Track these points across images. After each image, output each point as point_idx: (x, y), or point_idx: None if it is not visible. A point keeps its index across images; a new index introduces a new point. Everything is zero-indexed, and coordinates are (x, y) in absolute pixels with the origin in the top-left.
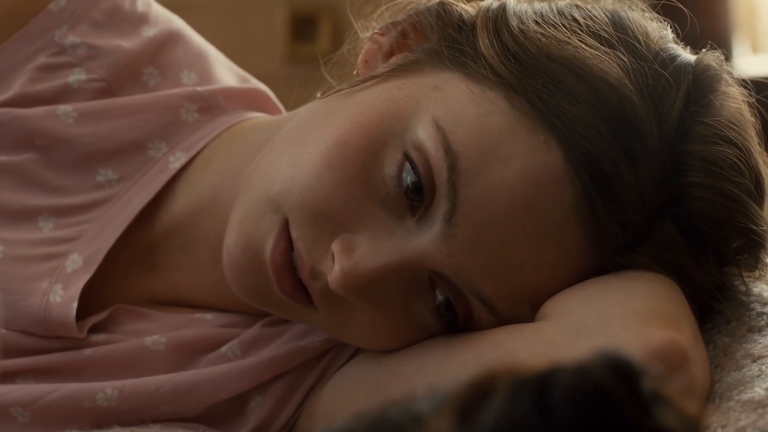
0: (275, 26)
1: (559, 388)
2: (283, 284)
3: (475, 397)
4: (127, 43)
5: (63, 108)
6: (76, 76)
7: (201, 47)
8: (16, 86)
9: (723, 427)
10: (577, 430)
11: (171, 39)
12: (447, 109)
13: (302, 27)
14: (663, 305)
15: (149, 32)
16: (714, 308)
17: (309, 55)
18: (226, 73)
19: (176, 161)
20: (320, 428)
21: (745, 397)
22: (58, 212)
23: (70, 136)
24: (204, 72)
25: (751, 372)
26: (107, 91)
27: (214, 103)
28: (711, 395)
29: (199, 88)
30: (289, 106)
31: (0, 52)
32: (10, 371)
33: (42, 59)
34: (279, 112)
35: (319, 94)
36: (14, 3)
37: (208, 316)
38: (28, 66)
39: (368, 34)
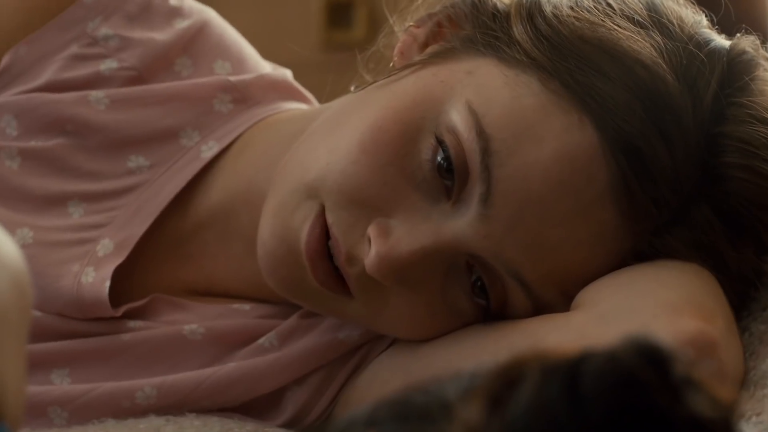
0: (311, 13)
1: (589, 374)
2: (318, 272)
3: (504, 385)
4: (160, 35)
5: (95, 94)
6: (107, 65)
7: (234, 38)
8: (48, 74)
9: (758, 414)
10: (607, 417)
11: (204, 29)
12: (480, 92)
13: (338, 13)
14: (696, 295)
15: (182, 24)
16: (750, 295)
17: (345, 42)
18: (260, 63)
19: (208, 150)
20: (345, 415)
21: None
22: (88, 198)
23: (102, 122)
24: (238, 62)
25: None
26: (139, 80)
27: (248, 94)
28: (746, 383)
29: (232, 78)
30: (325, 92)
31: (33, 40)
32: (45, 359)
33: (74, 49)
34: (309, 101)
35: (353, 87)
36: None
37: (246, 306)
38: (60, 55)
39: (403, 28)
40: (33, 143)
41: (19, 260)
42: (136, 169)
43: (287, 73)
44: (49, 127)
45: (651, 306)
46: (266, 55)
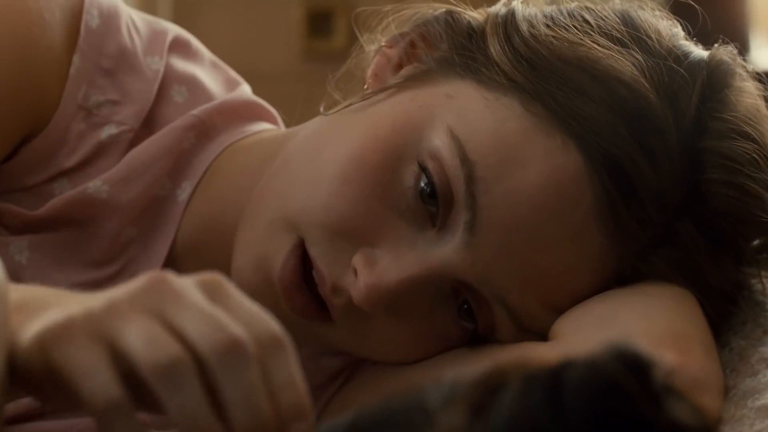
0: (291, 22)
1: (571, 382)
2: (294, 302)
3: (485, 392)
4: (142, 82)
5: (92, 185)
6: (107, 132)
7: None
8: (56, 166)
9: None
10: (589, 424)
11: (178, 52)
12: (461, 117)
13: (318, 23)
14: (676, 323)
15: (159, 63)
16: (731, 311)
17: (325, 51)
18: (215, 80)
19: (183, 192)
20: (327, 423)
21: (758, 404)
22: (97, 285)
23: (109, 207)
24: (194, 87)
25: (765, 378)
26: (139, 137)
27: (211, 125)
28: (726, 402)
29: (196, 111)
30: (304, 101)
31: (46, 135)
32: None
33: (75, 127)
34: (274, 117)
35: (322, 109)
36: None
37: None
38: (68, 139)
39: (374, 47)
40: (42, 234)
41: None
42: (127, 242)
43: (245, 90)
44: (57, 221)
45: (630, 338)
46: (247, 64)
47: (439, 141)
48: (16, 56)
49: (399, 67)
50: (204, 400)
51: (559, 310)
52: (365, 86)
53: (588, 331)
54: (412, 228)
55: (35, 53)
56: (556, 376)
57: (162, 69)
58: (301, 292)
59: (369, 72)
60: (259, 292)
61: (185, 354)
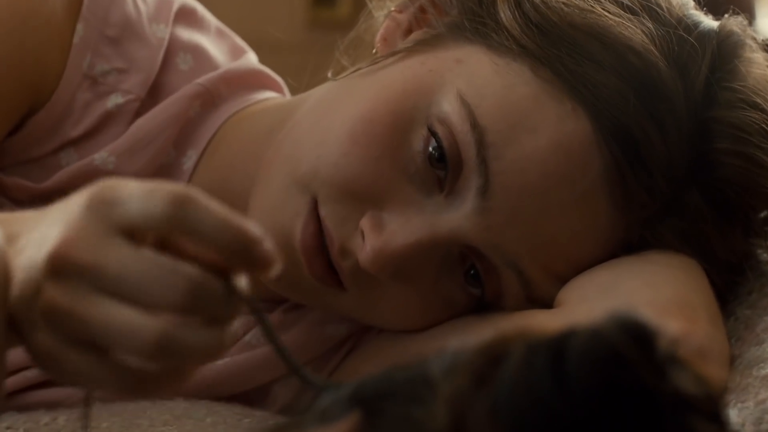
0: None
1: (574, 351)
2: (315, 267)
3: (488, 361)
4: (148, 50)
5: (98, 156)
6: (113, 101)
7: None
8: (62, 136)
9: (743, 402)
10: (592, 394)
11: (183, 21)
12: (471, 82)
13: None
14: (681, 292)
15: (165, 31)
16: (737, 281)
17: (330, 20)
18: (220, 48)
19: (188, 161)
20: (329, 392)
21: (763, 372)
22: None
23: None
24: (199, 55)
25: None
26: (145, 106)
27: (216, 93)
28: (731, 371)
29: (201, 80)
30: (309, 71)
31: (50, 107)
32: None
33: (80, 97)
34: (279, 85)
35: (330, 74)
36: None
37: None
38: (73, 109)
39: (384, 12)
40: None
41: None
42: None
43: (251, 58)
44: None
45: (634, 307)
46: (252, 34)
47: (448, 106)
48: (15, 30)
49: (408, 31)
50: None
51: (564, 279)
52: (374, 51)
53: (592, 300)
54: (420, 193)
55: (35, 24)
56: (559, 346)
57: (167, 37)
58: (320, 257)
59: (378, 36)
60: None
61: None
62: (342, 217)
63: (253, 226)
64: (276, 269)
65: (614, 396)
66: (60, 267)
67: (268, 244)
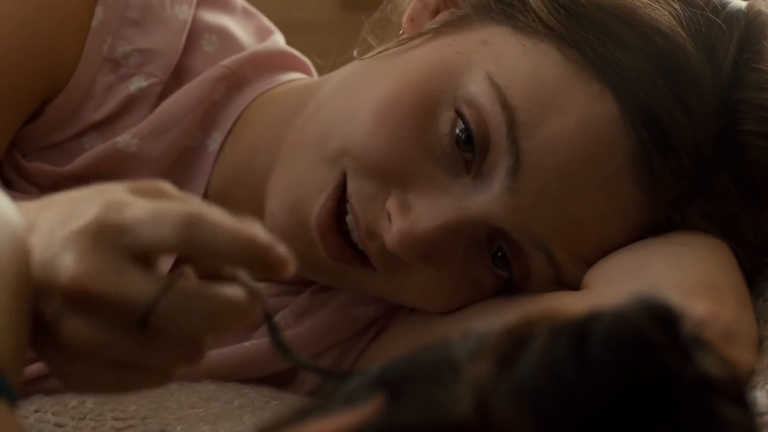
0: None
1: (598, 334)
2: (330, 247)
3: (512, 344)
4: (170, 32)
5: (121, 139)
6: (136, 84)
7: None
8: (84, 120)
9: None
10: (615, 377)
11: (208, 2)
12: (499, 63)
13: None
14: (709, 273)
15: (188, 13)
16: (765, 261)
17: (362, 0)
18: (246, 29)
19: (213, 143)
20: (355, 375)
21: None
22: None
23: (139, 160)
24: (225, 37)
25: None
26: (168, 88)
27: (241, 75)
28: (759, 352)
29: (226, 62)
30: (338, 51)
31: (68, 91)
32: None
33: (101, 80)
34: (306, 66)
35: (356, 54)
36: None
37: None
38: (93, 92)
39: None
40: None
41: (18, 219)
42: None
43: (278, 40)
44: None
45: (662, 288)
46: (282, 14)
47: (476, 88)
48: (28, 18)
49: (436, 12)
50: None
51: (591, 261)
52: (401, 32)
53: (619, 282)
54: (446, 175)
55: (47, 13)
56: (583, 328)
57: (190, 18)
58: (335, 236)
59: (405, 17)
60: (294, 235)
61: None
62: (369, 196)
63: (262, 233)
64: (291, 270)
65: (637, 379)
66: (79, 300)
67: (280, 248)
